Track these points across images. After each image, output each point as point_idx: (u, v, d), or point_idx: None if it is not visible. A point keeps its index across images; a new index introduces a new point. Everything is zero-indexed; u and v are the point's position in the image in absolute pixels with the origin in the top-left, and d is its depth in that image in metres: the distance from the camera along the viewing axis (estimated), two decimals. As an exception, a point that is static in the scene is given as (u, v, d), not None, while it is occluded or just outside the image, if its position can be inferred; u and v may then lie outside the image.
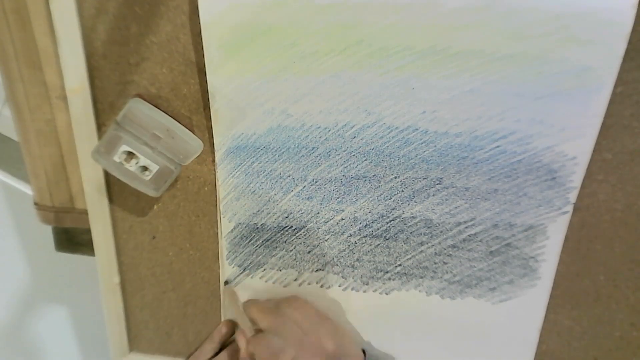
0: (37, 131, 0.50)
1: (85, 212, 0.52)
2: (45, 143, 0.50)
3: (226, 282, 0.52)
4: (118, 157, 0.44)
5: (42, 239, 0.66)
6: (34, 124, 0.49)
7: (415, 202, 0.45)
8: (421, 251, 0.46)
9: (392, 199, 0.45)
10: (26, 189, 0.79)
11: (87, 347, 1.00)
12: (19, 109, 0.49)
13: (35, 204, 0.54)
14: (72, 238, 0.58)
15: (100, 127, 0.47)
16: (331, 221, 0.47)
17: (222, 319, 0.55)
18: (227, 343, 0.56)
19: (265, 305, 0.48)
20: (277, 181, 0.46)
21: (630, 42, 0.37)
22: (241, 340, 0.52)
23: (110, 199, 0.51)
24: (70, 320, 0.97)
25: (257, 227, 0.49)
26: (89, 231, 0.52)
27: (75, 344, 0.99)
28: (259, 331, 0.47)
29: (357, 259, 0.48)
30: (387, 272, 0.48)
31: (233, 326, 0.55)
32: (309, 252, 0.49)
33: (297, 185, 0.46)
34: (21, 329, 0.92)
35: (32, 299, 0.91)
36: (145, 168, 0.45)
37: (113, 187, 0.50)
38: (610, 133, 0.41)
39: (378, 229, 0.46)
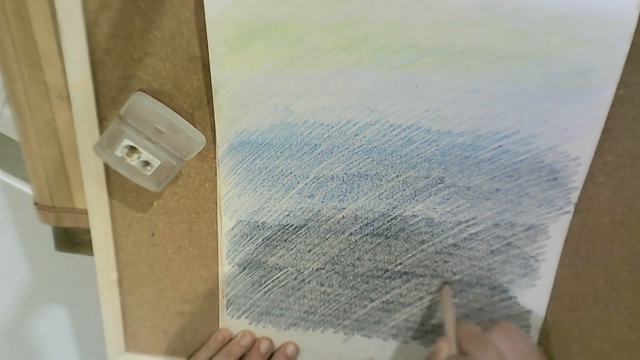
0: (37, 131, 0.50)
1: (85, 212, 0.52)
2: (45, 143, 0.50)
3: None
4: (120, 152, 0.44)
5: (42, 239, 0.66)
6: (34, 124, 0.49)
7: (416, 201, 0.45)
8: (422, 250, 0.46)
9: (393, 198, 0.45)
10: (26, 189, 0.78)
11: (86, 347, 0.99)
12: (19, 109, 0.49)
13: (35, 204, 0.54)
14: (72, 238, 0.58)
15: (102, 121, 0.47)
16: (332, 219, 0.47)
17: (220, 324, 0.54)
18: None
19: (473, 328, 0.45)
20: (279, 178, 0.46)
21: (633, 45, 0.37)
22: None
23: (110, 195, 0.51)
24: (70, 320, 0.96)
25: (258, 225, 0.48)
26: (88, 231, 0.52)
27: (74, 343, 0.99)
28: (463, 353, 0.44)
29: (358, 258, 0.48)
30: (387, 271, 0.48)
31: (230, 335, 0.54)
32: (309, 250, 0.48)
33: (299, 183, 0.46)
34: (20, 328, 0.92)
35: (32, 299, 0.91)
36: (147, 163, 0.44)
37: (113, 182, 0.50)
38: (611, 135, 0.41)
39: (379, 228, 0.46)
